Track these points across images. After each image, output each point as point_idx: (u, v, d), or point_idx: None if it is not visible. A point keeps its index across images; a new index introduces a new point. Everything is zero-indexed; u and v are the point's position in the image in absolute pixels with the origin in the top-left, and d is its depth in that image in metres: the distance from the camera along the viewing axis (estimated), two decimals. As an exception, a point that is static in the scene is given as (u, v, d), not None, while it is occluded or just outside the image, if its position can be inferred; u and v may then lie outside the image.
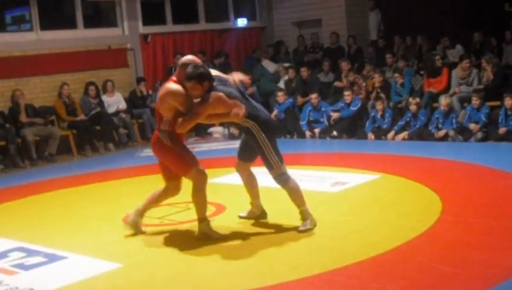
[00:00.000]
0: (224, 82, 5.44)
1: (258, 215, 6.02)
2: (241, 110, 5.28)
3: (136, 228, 5.83)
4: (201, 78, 5.18)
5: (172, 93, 5.27)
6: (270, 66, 13.39)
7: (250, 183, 5.96)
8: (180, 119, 5.26)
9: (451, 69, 11.03)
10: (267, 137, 5.43)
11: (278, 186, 5.64)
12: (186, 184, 5.64)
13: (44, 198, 7.89)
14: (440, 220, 5.53)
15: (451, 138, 9.72)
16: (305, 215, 5.60)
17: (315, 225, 5.59)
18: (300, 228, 5.54)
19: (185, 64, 5.33)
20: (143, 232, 5.81)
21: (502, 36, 11.85)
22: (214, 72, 5.52)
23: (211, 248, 5.28)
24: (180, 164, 5.44)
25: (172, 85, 5.33)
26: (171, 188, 5.71)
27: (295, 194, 5.60)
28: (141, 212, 5.84)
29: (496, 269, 4.33)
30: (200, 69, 5.23)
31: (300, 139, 11.12)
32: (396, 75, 11.39)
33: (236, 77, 5.68)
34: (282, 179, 5.55)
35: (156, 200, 5.84)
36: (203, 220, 5.53)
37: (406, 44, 13.05)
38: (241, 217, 6.07)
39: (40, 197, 7.93)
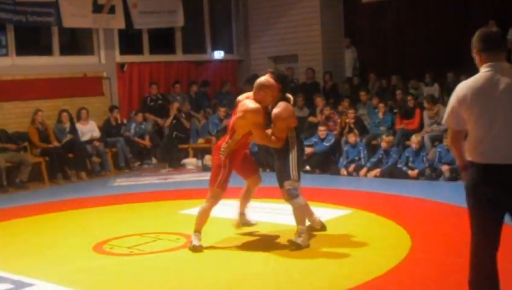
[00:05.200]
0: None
1: (318, 230, 6.49)
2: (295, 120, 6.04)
3: (246, 224, 6.62)
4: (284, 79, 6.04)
5: (253, 111, 5.83)
6: None
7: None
8: (272, 137, 5.96)
9: (423, 109, 11.20)
10: (298, 150, 5.98)
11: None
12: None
13: (13, 224, 7.79)
14: (409, 257, 5.58)
15: (424, 177, 9.78)
16: (300, 232, 5.96)
17: (307, 246, 5.90)
18: (294, 239, 5.95)
19: (261, 86, 5.90)
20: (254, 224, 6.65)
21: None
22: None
23: (176, 280, 5.27)
24: (216, 176, 6.00)
25: (252, 103, 5.89)
26: (254, 182, 6.46)
27: (299, 211, 5.98)
28: (241, 213, 6.59)
29: (462, 307, 4.36)
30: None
31: (272, 173, 11.07)
32: (381, 105, 11.56)
33: None
34: (294, 193, 5.88)
35: (247, 196, 6.55)
36: (196, 231, 6.02)
37: (381, 83, 13.24)
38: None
39: (9, 224, 7.83)
